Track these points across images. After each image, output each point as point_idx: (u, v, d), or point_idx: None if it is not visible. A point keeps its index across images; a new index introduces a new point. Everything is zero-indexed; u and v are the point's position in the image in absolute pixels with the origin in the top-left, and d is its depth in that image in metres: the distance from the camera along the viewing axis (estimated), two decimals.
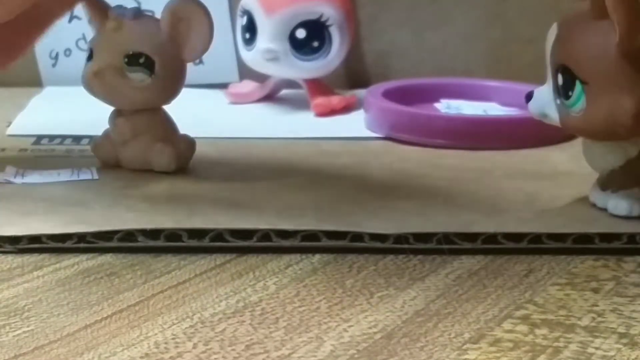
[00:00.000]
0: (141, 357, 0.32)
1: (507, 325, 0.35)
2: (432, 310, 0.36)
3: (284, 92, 0.65)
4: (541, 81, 0.43)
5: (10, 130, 0.57)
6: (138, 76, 0.48)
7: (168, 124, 0.50)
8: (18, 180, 0.47)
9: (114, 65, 0.48)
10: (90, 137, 0.55)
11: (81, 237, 0.41)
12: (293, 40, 0.60)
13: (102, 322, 0.34)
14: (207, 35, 0.48)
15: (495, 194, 0.47)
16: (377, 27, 0.68)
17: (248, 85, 0.65)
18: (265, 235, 0.41)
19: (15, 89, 0.66)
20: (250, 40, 0.61)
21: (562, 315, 0.35)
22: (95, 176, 0.48)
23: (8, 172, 0.48)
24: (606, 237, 0.41)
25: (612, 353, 0.32)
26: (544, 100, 0.43)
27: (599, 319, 0.35)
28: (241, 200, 0.45)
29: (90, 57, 0.49)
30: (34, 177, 0.48)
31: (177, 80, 0.49)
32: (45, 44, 0.68)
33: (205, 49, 0.48)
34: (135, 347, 0.33)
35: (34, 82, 0.68)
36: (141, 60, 0.48)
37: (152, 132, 0.49)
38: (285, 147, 0.55)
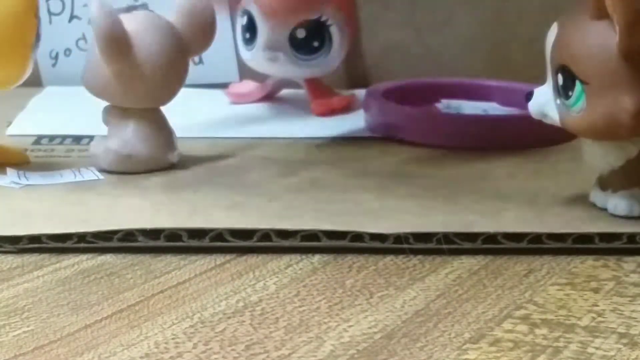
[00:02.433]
0: (141, 357, 0.32)
1: (507, 325, 0.35)
2: (432, 310, 0.36)
3: (284, 92, 0.65)
4: (541, 81, 0.43)
5: (10, 130, 0.57)
6: None
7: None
8: (23, 181, 0.47)
9: None
10: (90, 137, 0.55)
11: (81, 237, 0.41)
12: (293, 40, 0.60)
13: (102, 322, 0.34)
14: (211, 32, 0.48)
15: (495, 193, 0.47)
16: (377, 27, 0.68)
17: (248, 85, 0.65)
18: (265, 235, 0.41)
19: (15, 89, 0.66)
20: (250, 40, 0.61)
21: (562, 315, 0.35)
22: (100, 176, 0.48)
23: (10, 175, 0.48)
24: (606, 237, 0.41)
25: (612, 353, 0.32)
26: (544, 100, 0.43)
27: (599, 319, 0.35)
28: (241, 200, 0.45)
29: None
30: (36, 179, 0.48)
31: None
32: (46, 44, 0.67)
33: (208, 44, 0.49)
34: (135, 347, 0.33)
35: (34, 82, 0.68)
36: None
37: None
38: (285, 147, 0.55)
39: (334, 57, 0.61)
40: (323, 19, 0.60)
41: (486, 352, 0.33)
